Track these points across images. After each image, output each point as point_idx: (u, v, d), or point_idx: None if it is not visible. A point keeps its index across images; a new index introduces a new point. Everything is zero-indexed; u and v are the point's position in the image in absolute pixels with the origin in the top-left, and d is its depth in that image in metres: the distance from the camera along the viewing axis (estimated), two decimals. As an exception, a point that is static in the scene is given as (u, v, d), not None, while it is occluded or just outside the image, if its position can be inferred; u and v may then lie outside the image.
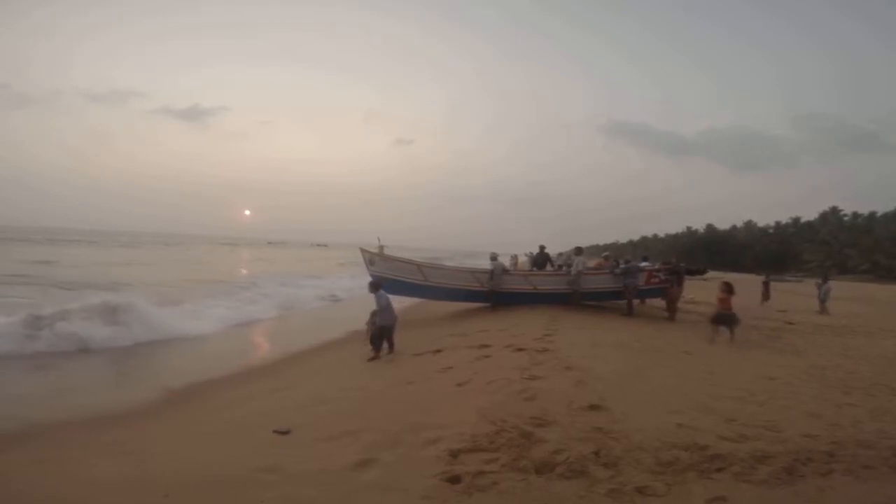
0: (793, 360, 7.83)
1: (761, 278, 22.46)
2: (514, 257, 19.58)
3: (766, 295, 19.66)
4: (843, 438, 4.04)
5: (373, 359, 8.21)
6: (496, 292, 13.20)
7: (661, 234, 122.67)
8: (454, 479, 3.39)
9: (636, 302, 13.38)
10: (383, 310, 8.45)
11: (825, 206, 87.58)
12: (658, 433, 4.03)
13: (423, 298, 13.27)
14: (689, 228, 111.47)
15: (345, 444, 4.28)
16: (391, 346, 8.51)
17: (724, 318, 9.41)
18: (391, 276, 13.34)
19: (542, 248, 15.69)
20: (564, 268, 14.47)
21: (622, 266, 13.57)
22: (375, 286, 8.81)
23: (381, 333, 8.41)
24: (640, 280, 13.21)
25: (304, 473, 3.76)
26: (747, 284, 37.40)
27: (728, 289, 9.79)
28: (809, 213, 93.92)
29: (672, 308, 12.60)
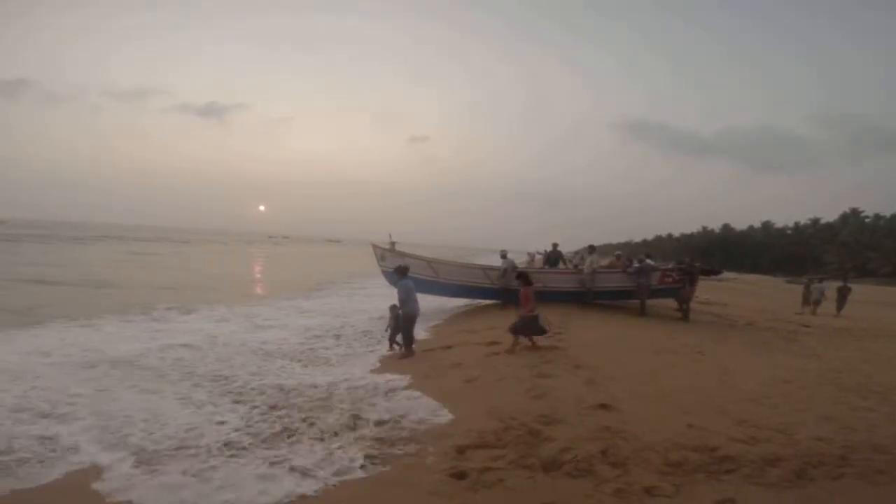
0: (809, 363, 7.70)
1: (803, 280, 20.39)
2: (532, 255, 19.41)
3: (807, 299, 17.91)
4: (857, 442, 3.98)
5: (406, 356, 7.65)
6: (507, 290, 13.16)
7: (676, 234, 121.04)
8: (460, 475, 3.41)
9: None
10: (410, 299, 7.87)
11: (847, 208, 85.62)
12: (668, 434, 4.01)
13: (433, 295, 13.27)
14: (704, 228, 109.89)
15: (357, 440, 4.31)
16: (410, 342, 7.91)
17: (526, 326, 7.31)
18: None
19: (554, 245, 15.59)
20: (579, 266, 14.36)
21: (636, 265, 13.43)
22: (403, 271, 8.23)
23: (408, 325, 7.83)
24: (653, 279, 13.07)
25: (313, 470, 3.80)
26: (766, 286, 36.86)
27: (526, 280, 7.84)
28: (831, 215, 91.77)
29: (685, 308, 12.45)
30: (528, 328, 7.32)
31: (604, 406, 4.67)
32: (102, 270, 21.52)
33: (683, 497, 3.10)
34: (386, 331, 8.45)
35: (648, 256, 14.84)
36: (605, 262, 15.54)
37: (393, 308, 8.20)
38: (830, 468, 3.49)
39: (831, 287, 18.37)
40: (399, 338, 8.08)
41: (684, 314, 12.30)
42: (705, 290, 19.13)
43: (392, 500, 3.24)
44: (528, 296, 7.43)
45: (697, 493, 3.15)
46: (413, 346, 7.91)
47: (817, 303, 17.43)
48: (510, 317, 11.09)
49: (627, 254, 17.41)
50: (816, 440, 4.01)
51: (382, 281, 13.46)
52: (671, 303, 13.77)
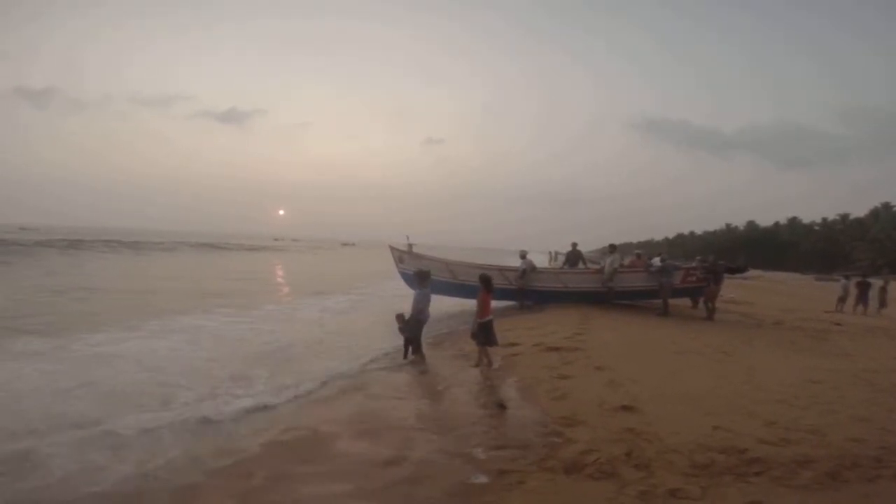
0: (840, 363, 7.45)
1: (880, 282, 18.41)
2: (554, 254, 19.51)
3: (883, 301, 16.91)
4: (893, 444, 3.83)
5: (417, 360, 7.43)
6: (526, 290, 13.09)
7: (699, 231, 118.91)
8: (480, 476, 3.39)
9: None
10: (425, 306, 7.57)
11: (875, 203, 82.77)
12: (693, 435, 3.92)
13: (451, 296, 13.26)
14: (728, 225, 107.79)
15: (376, 440, 4.32)
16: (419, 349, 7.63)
17: (486, 334, 6.76)
18: None
19: (574, 245, 15.44)
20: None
21: (658, 263, 13.20)
22: (424, 277, 7.71)
23: (418, 331, 7.52)
24: (675, 279, 12.83)
25: (336, 470, 3.82)
26: (794, 284, 35.80)
27: (486, 284, 7.12)
28: (857, 210, 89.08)
29: (710, 308, 12.20)
30: (489, 337, 6.77)
31: (626, 408, 4.59)
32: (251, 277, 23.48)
33: (710, 499, 3.02)
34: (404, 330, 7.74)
35: (657, 255, 14.59)
36: (626, 261, 15.34)
37: (400, 318, 7.62)
38: (865, 470, 3.36)
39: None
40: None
41: (709, 313, 12.05)
42: (731, 288, 18.70)
43: (406, 500, 3.23)
44: (486, 302, 6.92)
45: (725, 495, 3.06)
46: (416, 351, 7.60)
47: (842, 300, 16.91)
48: (529, 318, 11.07)
49: (648, 253, 17.12)
50: (850, 441, 3.87)
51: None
52: (687, 302, 13.52)
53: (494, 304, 13.24)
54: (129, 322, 9.25)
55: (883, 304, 17.07)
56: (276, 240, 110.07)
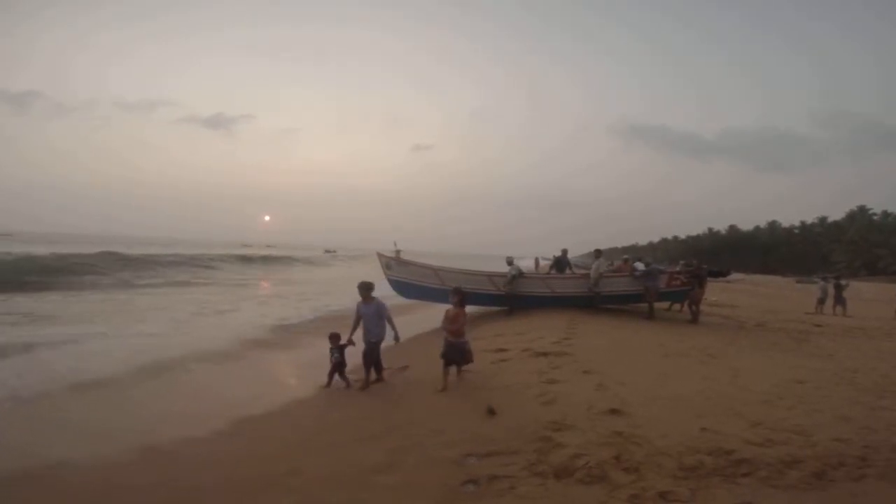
0: (822, 363, 7.58)
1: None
2: (536, 260, 19.75)
3: (837, 299, 16.77)
4: (877, 442, 3.88)
5: (379, 381, 6.55)
6: (513, 296, 13.11)
7: (682, 236, 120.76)
8: (470, 483, 3.36)
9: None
10: (375, 325, 6.46)
11: (852, 206, 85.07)
12: (681, 438, 3.93)
13: (439, 302, 13.23)
14: (710, 229, 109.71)
15: (367, 448, 4.27)
16: (379, 372, 6.62)
17: (455, 351, 6.05)
18: (408, 281, 13.41)
19: (564, 251, 15.53)
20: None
21: (641, 268, 13.35)
22: (369, 289, 6.53)
23: (377, 352, 6.52)
24: (660, 282, 12.97)
25: (324, 477, 3.75)
26: (775, 287, 36.43)
27: (459, 298, 6.13)
28: (835, 213, 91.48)
29: (695, 311, 12.34)
30: (457, 355, 6.12)
31: (615, 411, 4.60)
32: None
33: (700, 501, 3.03)
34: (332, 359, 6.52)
35: (639, 260, 14.77)
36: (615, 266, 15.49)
37: (335, 338, 6.53)
38: (851, 469, 3.41)
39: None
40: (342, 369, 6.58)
41: (693, 316, 12.19)
42: (714, 291, 18.97)
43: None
44: (459, 317, 6.11)
45: (714, 497, 3.07)
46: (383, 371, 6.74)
47: (822, 301, 17.24)
48: (517, 323, 11.07)
49: (633, 257, 17.33)
50: (835, 441, 3.92)
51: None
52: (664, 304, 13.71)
53: (484, 309, 13.37)
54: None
55: (837, 302, 16.81)
56: (244, 246, 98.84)
